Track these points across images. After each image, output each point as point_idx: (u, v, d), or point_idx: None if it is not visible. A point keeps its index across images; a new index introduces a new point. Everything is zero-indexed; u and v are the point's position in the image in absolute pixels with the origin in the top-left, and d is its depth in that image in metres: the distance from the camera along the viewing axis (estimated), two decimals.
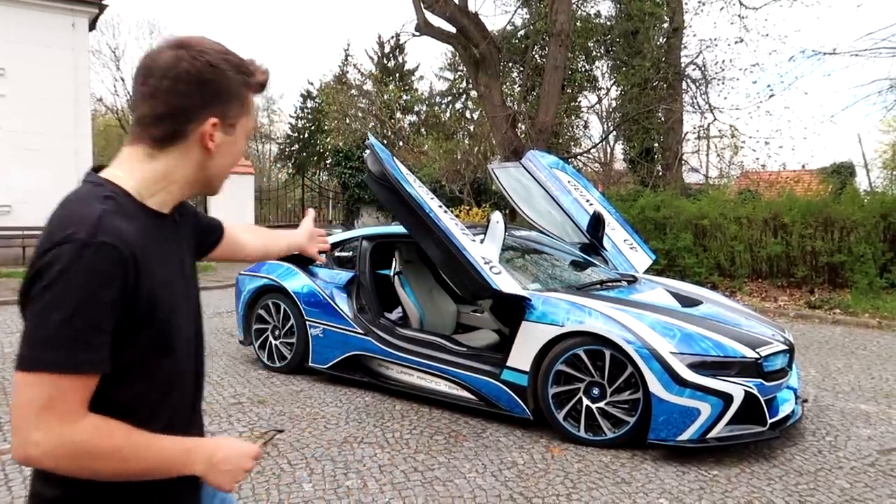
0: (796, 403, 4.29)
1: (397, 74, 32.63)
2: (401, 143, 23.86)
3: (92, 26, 16.90)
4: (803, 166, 19.32)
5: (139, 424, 1.07)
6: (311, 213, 1.92)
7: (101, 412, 1.03)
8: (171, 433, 1.11)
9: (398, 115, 24.82)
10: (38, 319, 0.97)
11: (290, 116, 38.72)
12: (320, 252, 1.88)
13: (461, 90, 29.50)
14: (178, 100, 1.09)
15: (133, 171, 1.12)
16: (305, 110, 37.00)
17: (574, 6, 15.02)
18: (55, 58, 15.33)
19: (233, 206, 17.44)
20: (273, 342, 5.67)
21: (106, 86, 47.78)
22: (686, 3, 15.60)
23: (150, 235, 1.09)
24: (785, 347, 4.18)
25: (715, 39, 20.15)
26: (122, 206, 1.06)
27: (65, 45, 15.49)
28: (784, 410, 4.07)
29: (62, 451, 0.97)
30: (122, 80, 39.14)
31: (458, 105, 30.40)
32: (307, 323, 5.41)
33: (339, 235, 6.05)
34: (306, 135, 35.99)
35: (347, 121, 23.54)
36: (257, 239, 1.70)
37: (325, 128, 26.74)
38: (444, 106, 31.17)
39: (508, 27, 16.69)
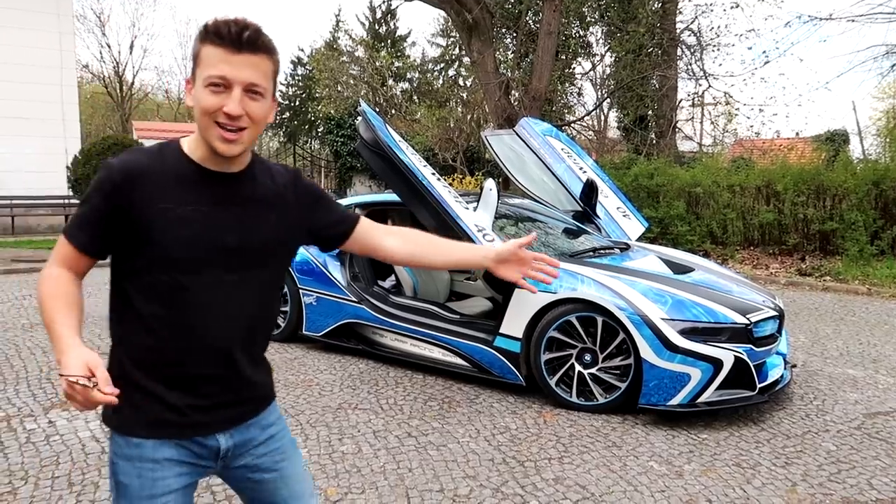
0: (785, 368, 4.35)
1: (389, 41, 32.18)
2: (393, 111, 23.65)
3: None
4: (797, 134, 19.31)
5: (154, 340, 1.35)
6: (531, 235, 1.72)
7: (128, 317, 1.38)
8: (185, 367, 1.36)
9: (390, 82, 24.54)
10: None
11: (281, 84, 38.26)
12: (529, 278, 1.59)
13: (454, 57, 29.18)
14: None
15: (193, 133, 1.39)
16: (296, 77, 36.54)
17: None
18: (39, 24, 15.03)
19: None
20: None
21: (91, 52, 46.90)
22: None
23: (175, 178, 1.33)
24: (775, 313, 4.22)
25: (710, 4, 19.92)
26: (164, 153, 1.36)
27: (49, 9, 15.17)
28: (773, 375, 4.12)
29: (40, 276, 1.38)
30: (108, 46, 38.55)
31: (451, 72, 30.07)
32: (300, 291, 5.41)
33: None
34: (297, 102, 35.60)
35: (339, 88, 23.25)
36: (405, 246, 1.65)
37: (317, 95, 26.42)
38: (436, 73, 30.83)
39: None
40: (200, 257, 1.33)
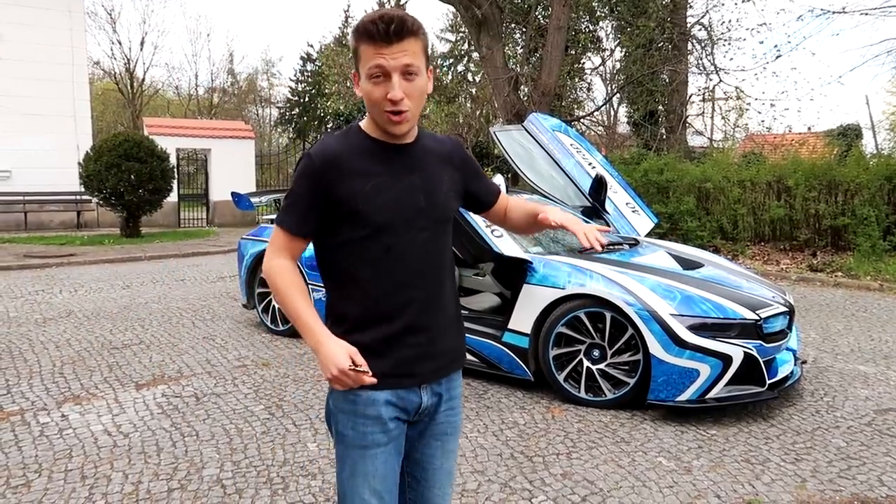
0: (795, 364, 4.33)
1: None
2: None
3: None
4: (809, 128, 19.16)
5: (371, 301, 1.52)
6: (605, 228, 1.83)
7: (346, 286, 1.54)
8: (384, 316, 1.52)
9: None
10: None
11: (290, 80, 38.29)
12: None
13: (463, 52, 29.09)
14: None
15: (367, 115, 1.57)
16: (305, 73, 36.57)
17: None
18: (51, 20, 15.13)
19: (233, 169, 17.39)
20: (276, 305, 5.71)
21: (102, 49, 47.16)
22: None
23: (363, 154, 1.52)
24: (785, 309, 4.20)
25: None
26: (349, 135, 1.55)
27: (60, 6, 15.26)
28: (783, 371, 4.10)
29: (265, 268, 1.56)
30: (119, 42, 38.73)
31: (460, 67, 30.00)
32: (309, 286, 5.44)
33: None
34: (306, 98, 35.62)
35: (348, 84, 23.27)
36: (520, 215, 1.84)
37: (326, 91, 26.41)
38: (445, 68, 30.77)
39: None
40: (399, 219, 1.51)
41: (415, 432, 1.64)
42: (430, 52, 1.55)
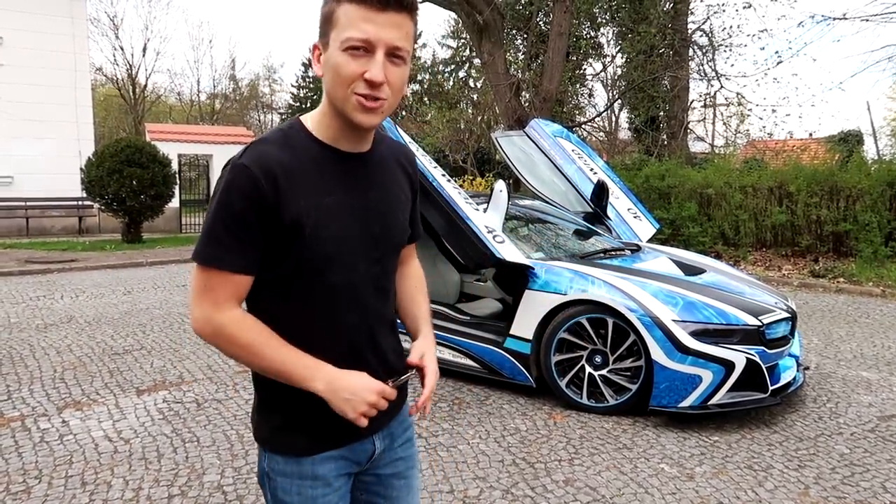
0: (798, 371, 4.31)
1: None
2: (403, 113, 23.68)
3: None
4: (810, 134, 19.17)
5: (296, 338, 1.21)
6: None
7: (267, 318, 1.22)
8: (334, 357, 1.23)
9: None
10: (204, 222, 1.20)
11: (292, 86, 38.46)
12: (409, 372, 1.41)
13: (464, 58, 29.19)
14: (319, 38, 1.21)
15: (316, 109, 1.26)
16: (307, 79, 36.69)
17: None
18: (53, 26, 15.17)
19: None
20: None
21: (105, 55, 47.35)
22: None
23: (314, 166, 1.21)
24: (787, 315, 4.19)
25: (723, 4, 19.76)
26: (289, 137, 1.22)
27: (63, 13, 15.31)
28: (785, 377, 4.09)
29: (208, 329, 1.18)
30: (121, 48, 38.88)
31: (462, 73, 30.09)
32: None
33: None
34: (308, 104, 35.75)
35: None
36: (404, 297, 1.51)
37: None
38: (447, 74, 30.84)
39: None
40: (351, 250, 1.24)
41: (370, 477, 1.41)
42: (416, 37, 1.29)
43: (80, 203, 15.04)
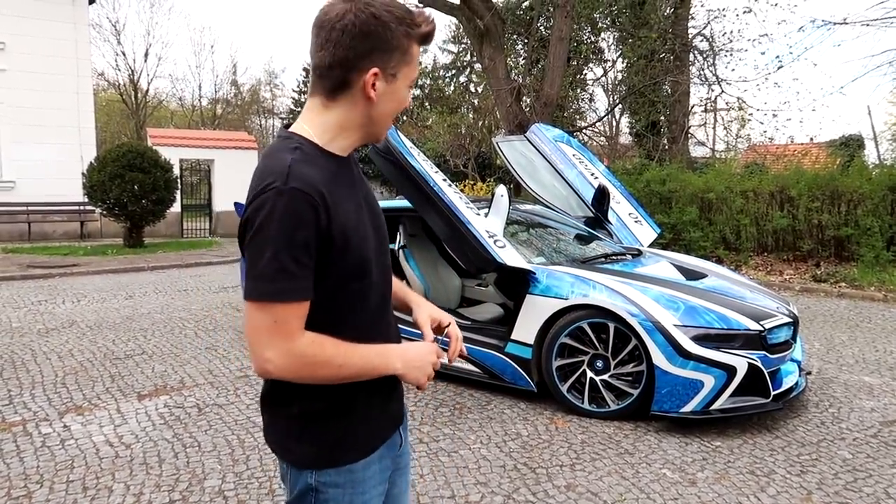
0: (800, 376, 4.31)
1: None
2: (405, 118, 23.71)
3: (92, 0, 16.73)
4: (811, 139, 19.17)
5: (340, 336, 1.22)
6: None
7: (312, 328, 1.20)
8: (363, 340, 1.26)
9: None
10: (252, 258, 1.14)
11: (293, 91, 38.49)
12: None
13: (465, 63, 29.21)
14: (344, 51, 1.18)
15: (313, 122, 1.25)
16: (307, 84, 36.70)
17: None
18: (55, 32, 15.21)
19: (236, 180, 17.41)
20: None
21: (107, 60, 47.45)
22: None
23: (335, 177, 1.22)
24: (789, 320, 4.18)
25: (723, 9, 19.90)
26: (308, 153, 1.20)
27: (65, 18, 15.35)
28: (787, 382, 4.08)
29: (290, 362, 1.16)
30: (123, 54, 38.98)
31: (463, 78, 30.11)
32: None
33: None
34: None
35: None
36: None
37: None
38: (447, 79, 30.87)
39: None
40: (375, 247, 1.29)
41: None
42: None
43: (81, 208, 15.06)
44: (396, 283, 1.50)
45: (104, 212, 13.17)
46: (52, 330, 6.23)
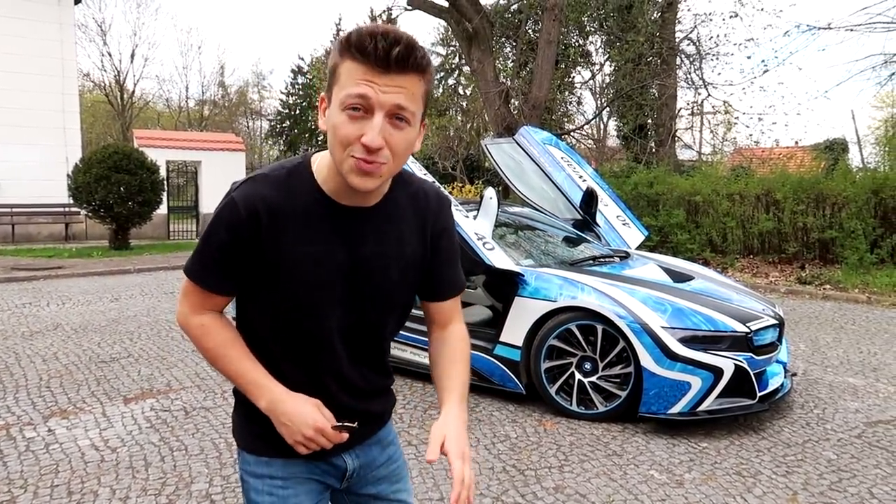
0: (785, 377, 4.34)
1: None
2: None
3: (77, 0, 16.60)
4: (796, 143, 19.36)
5: (268, 351, 1.28)
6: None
7: (242, 322, 1.31)
8: (295, 378, 1.27)
9: None
10: (198, 240, 1.30)
11: (281, 93, 38.34)
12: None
13: (454, 66, 29.23)
14: None
15: (325, 153, 1.22)
16: (296, 86, 36.62)
17: None
18: (41, 33, 15.08)
19: (223, 182, 17.33)
20: None
21: (93, 60, 47.09)
22: None
23: (302, 211, 1.19)
24: (775, 322, 4.22)
25: (710, 14, 20.07)
26: (292, 177, 1.21)
27: (50, 18, 15.22)
28: (773, 384, 4.12)
29: (183, 324, 1.30)
30: (109, 54, 38.67)
31: (451, 81, 30.13)
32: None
33: None
34: (297, 111, 35.66)
35: None
36: (436, 368, 1.44)
37: (317, 104, 26.48)
38: (436, 82, 30.90)
39: (502, 1, 16.52)
40: (326, 300, 1.23)
41: (352, 496, 1.42)
42: (430, 98, 1.18)
43: (66, 209, 14.92)
44: (444, 380, 1.40)
45: (90, 213, 13.06)
46: (37, 333, 6.17)
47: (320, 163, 1.22)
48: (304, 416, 1.21)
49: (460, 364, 1.41)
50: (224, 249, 1.20)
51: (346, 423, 1.26)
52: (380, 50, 1.04)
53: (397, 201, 1.27)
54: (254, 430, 1.31)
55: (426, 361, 4.53)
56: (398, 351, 4.71)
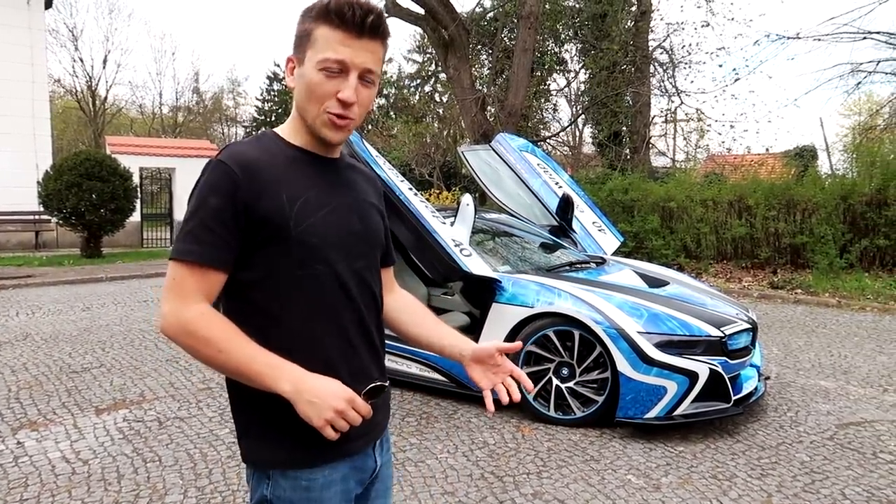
0: (759, 380, 4.40)
1: None
2: (369, 126, 23.67)
3: (48, 4, 16.36)
4: (767, 150, 19.67)
5: (273, 330, 1.21)
6: (517, 344, 1.45)
7: (244, 310, 1.23)
8: (314, 357, 1.21)
9: None
10: (181, 224, 1.22)
11: (257, 99, 38.13)
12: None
13: (430, 73, 29.32)
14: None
15: (286, 122, 1.32)
16: (272, 93, 36.44)
17: None
18: (10, 37, 14.82)
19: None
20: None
21: (64, 66, 46.33)
22: None
23: (287, 164, 1.24)
24: (748, 326, 4.27)
25: (682, 23, 20.36)
26: (263, 142, 1.27)
27: (20, 23, 14.97)
28: (747, 387, 4.17)
29: (177, 325, 1.16)
30: (81, 60, 38.13)
31: (428, 88, 30.21)
32: None
33: None
34: (273, 118, 35.46)
35: None
36: (395, 309, 1.48)
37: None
38: (413, 89, 30.96)
39: (478, 9, 16.60)
40: (335, 243, 1.25)
41: (363, 499, 1.38)
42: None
43: (36, 217, 14.64)
44: (428, 323, 1.48)
45: (61, 221, 12.83)
46: (5, 343, 6.03)
47: (282, 128, 1.31)
48: (330, 387, 1.15)
49: (430, 315, 1.52)
50: (218, 214, 1.17)
51: (376, 384, 1.24)
52: (357, 17, 1.18)
53: (350, 164, 1.41)
54: (289, 439, 1.22)
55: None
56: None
